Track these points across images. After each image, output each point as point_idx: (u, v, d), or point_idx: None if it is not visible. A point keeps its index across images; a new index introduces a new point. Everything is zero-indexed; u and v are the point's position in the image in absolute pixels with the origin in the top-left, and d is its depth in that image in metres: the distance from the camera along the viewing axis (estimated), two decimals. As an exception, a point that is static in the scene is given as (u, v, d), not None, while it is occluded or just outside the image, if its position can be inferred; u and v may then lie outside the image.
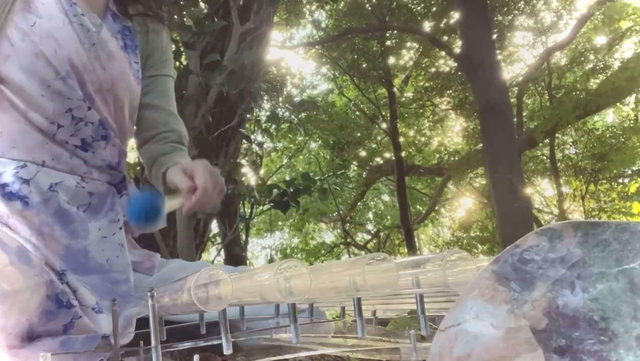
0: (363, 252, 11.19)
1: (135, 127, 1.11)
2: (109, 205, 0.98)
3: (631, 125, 9.13)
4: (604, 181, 9.22)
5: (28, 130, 0.92)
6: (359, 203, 11.71)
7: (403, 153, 9.55)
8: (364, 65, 8.84)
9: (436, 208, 11.52)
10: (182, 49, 2.38)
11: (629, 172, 8.83)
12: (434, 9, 8.06)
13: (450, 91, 9.12)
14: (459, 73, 8.11)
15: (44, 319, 0.81)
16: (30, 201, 0.88)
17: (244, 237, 3.20)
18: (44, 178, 0.91)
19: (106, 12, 1.03)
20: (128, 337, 0.86)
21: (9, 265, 0.79)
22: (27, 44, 0.91)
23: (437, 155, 11.21)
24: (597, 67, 8.15)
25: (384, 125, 9.61)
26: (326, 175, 8.98)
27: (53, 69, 0.92)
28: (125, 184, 1.04)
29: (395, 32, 8.68)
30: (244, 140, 3.11)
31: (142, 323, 0.81)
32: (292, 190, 2.45)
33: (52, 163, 0.93)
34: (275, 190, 2.50)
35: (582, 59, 8.73)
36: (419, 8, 8.27)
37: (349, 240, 11.31)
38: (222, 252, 3.46)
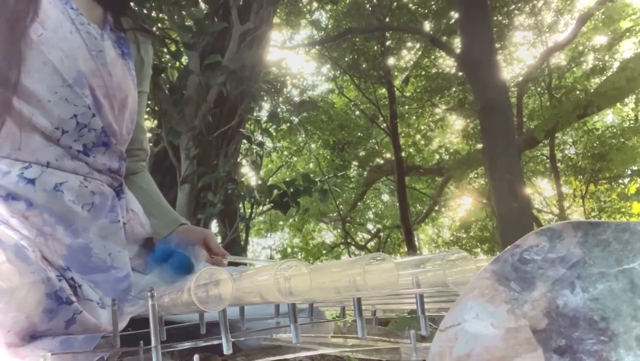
0: (363, 252, 11.19)
1: None
2: (110, 206, 0.99)
3: (631, 125, 9.14)
4: (604, 181, 9.23)
5: (33, 134, 0.93)
6: (359, 203, 11.71)
7: (403, 154, 9.55)
8: (364, 65, 8.84)
9: (436, 208, 11.52)
10: (182, 49, 2.38)
11: (629, 172, 8.83)
12: (434, 9, 8.06)
13: (450, 91, 9.12)
14: (459, 73, 8.11)
15: (45, 318, 0.81)
16: (35, 201, 0.89)
17: (244, 236, 3.20)
18: (49, 178, 0.92)
19: (105, 23, 1.08)
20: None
21: (5, 262, 0.79)
22: (35, 52, 0.93)
23: (437, 155, 11.21)
24: (597, 67, 8.15)
25: (384, 125, 9.61)
26: (327, 177, 8.98)
27: (60, 76, 0.94)
28: (122, 189, 1.07)
29: (395, 32, 8.67)
30: (244, 140, 3.11)
31: (142, 323, 0.80)
32: (292, 190, 2.45)
33: (56, 164, 0.94)
34: (275, 191, 2.50)
35: (582, 59, 8.73)
36: (419, 8, 8.27)
37: (349, 240, 11.32)
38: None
